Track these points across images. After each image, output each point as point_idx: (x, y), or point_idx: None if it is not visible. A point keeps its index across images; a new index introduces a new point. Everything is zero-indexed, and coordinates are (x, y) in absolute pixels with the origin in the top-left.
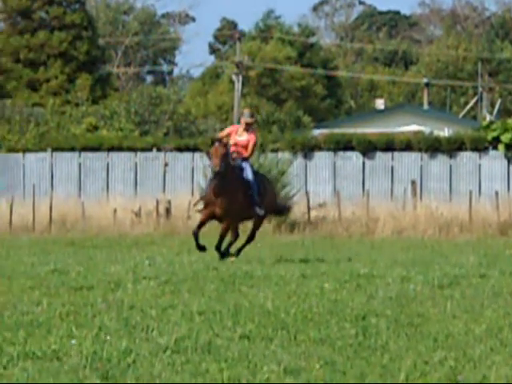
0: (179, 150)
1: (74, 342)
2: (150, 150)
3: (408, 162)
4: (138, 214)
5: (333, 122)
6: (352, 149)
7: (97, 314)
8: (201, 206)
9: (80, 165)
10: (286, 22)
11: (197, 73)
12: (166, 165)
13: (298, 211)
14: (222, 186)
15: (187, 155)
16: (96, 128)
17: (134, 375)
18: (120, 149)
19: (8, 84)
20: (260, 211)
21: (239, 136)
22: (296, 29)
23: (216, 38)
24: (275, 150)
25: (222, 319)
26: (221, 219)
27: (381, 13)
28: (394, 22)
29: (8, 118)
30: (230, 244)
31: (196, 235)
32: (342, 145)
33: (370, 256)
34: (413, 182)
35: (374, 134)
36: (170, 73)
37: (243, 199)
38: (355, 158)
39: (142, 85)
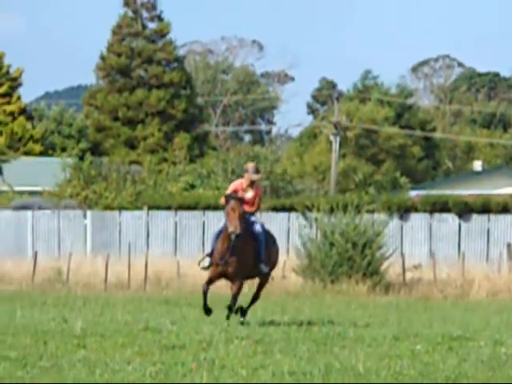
0: (275, 209)
1: None
2: None
3: (504, 225)
4: None
5: (430, 183)
6: (448, 211)
7: (187, 373)
8: (206, 263)
9: (176, 223)
10: (384, 82)
11: (295, 132)
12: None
13: (393, 273)
14: (237, 247)
15: (283, 215)
16: (193, 186)
17: None
18: (216, 208)
19: (106, 142)
20: (265, 268)
21: (245, 192)
22: (394, 89)
23: (314, 97)
24: (371, 211)
25: (313, 380)
26: (232, 279)
27: (480, 74)
28: (493, 83)
29: (105, 175)
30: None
31: (205, 293)
32: (439, 206)
33: (464, 318)
34: (509, 245)
35: (471, 196)
36: (269, 132)
37: (253, 257)
38: (451, 219)
39: (240, 144)
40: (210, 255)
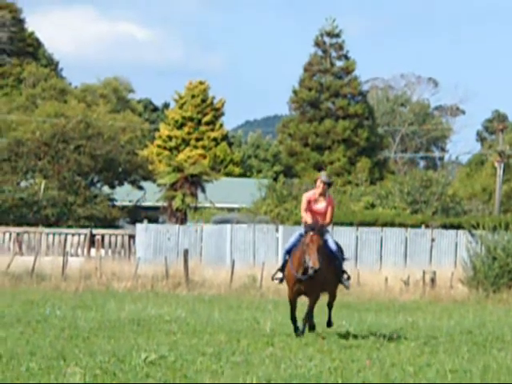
0: (444, 227)
1: None
2: (419, 226)
3: None
4: (406, 283)
5: None
6: None
7: (361, 369)
8: (279, 276)
9: (357, 238)
10: None
11: (465, 159)
12: (432, 240)
13: None
14: (316, 277)
15: (451, 232)
16: (373, 206)
17: None
18: (392, 224)
19: (297, 165)
20: (346, 282)
21: (317, 203)
22: None
23: (485, 127)
24: None
25: (472, 378)
26: (309, 295)
27: None
28: None
29: (295, 195)
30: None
31: (294, 320)
32: None
33: None
34: None
35: None
36: (441, 159)
37: (327, 272)
38: None
39: (415, 169)
40: (282, 270)
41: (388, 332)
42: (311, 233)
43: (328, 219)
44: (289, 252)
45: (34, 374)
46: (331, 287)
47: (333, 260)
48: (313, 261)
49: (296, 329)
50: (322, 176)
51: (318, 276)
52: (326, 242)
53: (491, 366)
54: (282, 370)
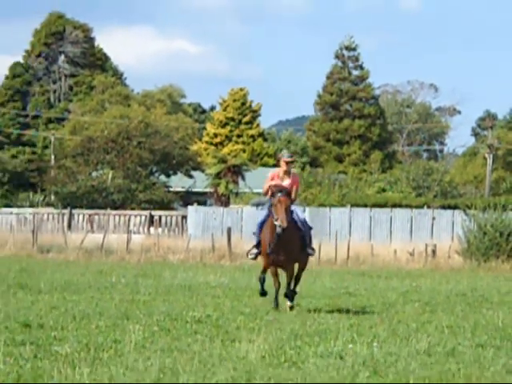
0: (443, 207)
1: (350, 346)
2: (422, 207)
3: None
4: (411, 254)
5: None
6: None
7: (373, 325)
8: (253, 254)
9: (371, 217)
10: None
11: (460, 151)
12: (433, 219)
13: None
14: (284, 237)
15: (449, 212)
16: (384, 190)
17: (395, 371)
18: (400, 206)
19: (321, 157)
20: (311, 251)
21: (282, 181)
22: None
23: (478, 125)
24: None
25: (464, 332)
26: (284, 267)
27: None
28: None
29: (319, 181)
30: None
31: (261, 281)
32: None
33: None
34: None
35: None
36: (441, 151)
37: (299, 243)
38: None
39: (419, 159)
40: (257, 246)
41: (396, 295)
42: (279, 194)
43: (294, 195)
44: (261, 227)
45: (102, 331)
46: (299, 256)
47: (299, 230)
48: (281, 219)
49: (262, 290)
50: (284, 155)
51: (286, 237)
52: (293, 212)
53: (481, 322)
54: (307, 327)
